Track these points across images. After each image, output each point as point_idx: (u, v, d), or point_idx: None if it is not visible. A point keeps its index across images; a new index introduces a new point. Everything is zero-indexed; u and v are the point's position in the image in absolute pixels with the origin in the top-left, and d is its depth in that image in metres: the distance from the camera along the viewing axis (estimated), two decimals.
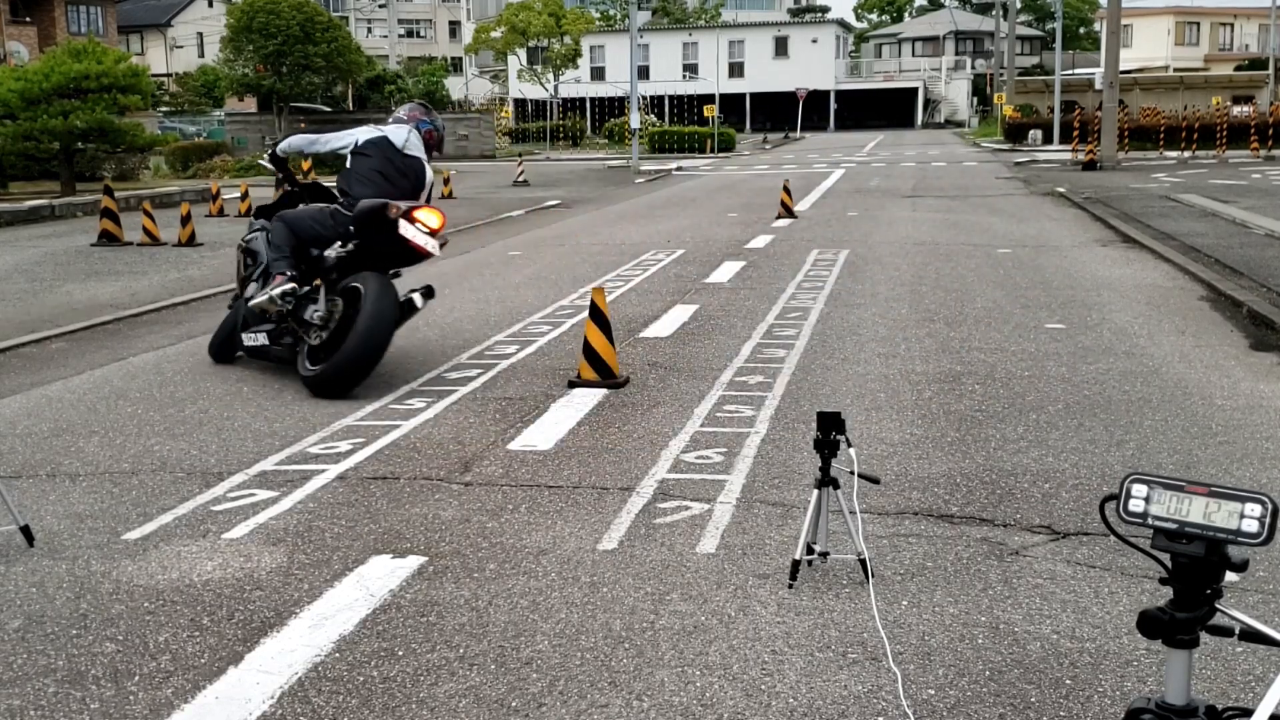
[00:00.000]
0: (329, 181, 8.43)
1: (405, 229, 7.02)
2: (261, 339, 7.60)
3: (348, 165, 7.45)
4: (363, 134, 7.52)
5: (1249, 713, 2.00)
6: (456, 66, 77.56)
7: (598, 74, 66.08)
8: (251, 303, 7.43)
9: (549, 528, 4.78)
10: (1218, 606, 2.04)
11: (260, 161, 8.17)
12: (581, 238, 16.21)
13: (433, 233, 7.17)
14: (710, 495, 5.14)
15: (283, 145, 7.88)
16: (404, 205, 7.07)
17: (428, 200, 7.55)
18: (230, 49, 36.18)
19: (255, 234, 7.91)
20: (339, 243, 7.22)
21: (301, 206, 7.80)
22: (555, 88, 54.80)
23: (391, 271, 7.37)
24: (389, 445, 6.03)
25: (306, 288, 7.32)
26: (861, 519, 4.29)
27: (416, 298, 7.24)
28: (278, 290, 7.18)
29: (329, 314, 7.11)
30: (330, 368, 6.93)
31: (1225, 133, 33.55)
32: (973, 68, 74.77)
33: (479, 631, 3.81)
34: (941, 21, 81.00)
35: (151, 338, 9.35)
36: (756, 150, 47.22)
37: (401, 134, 7.49)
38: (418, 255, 7.22)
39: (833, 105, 69.55)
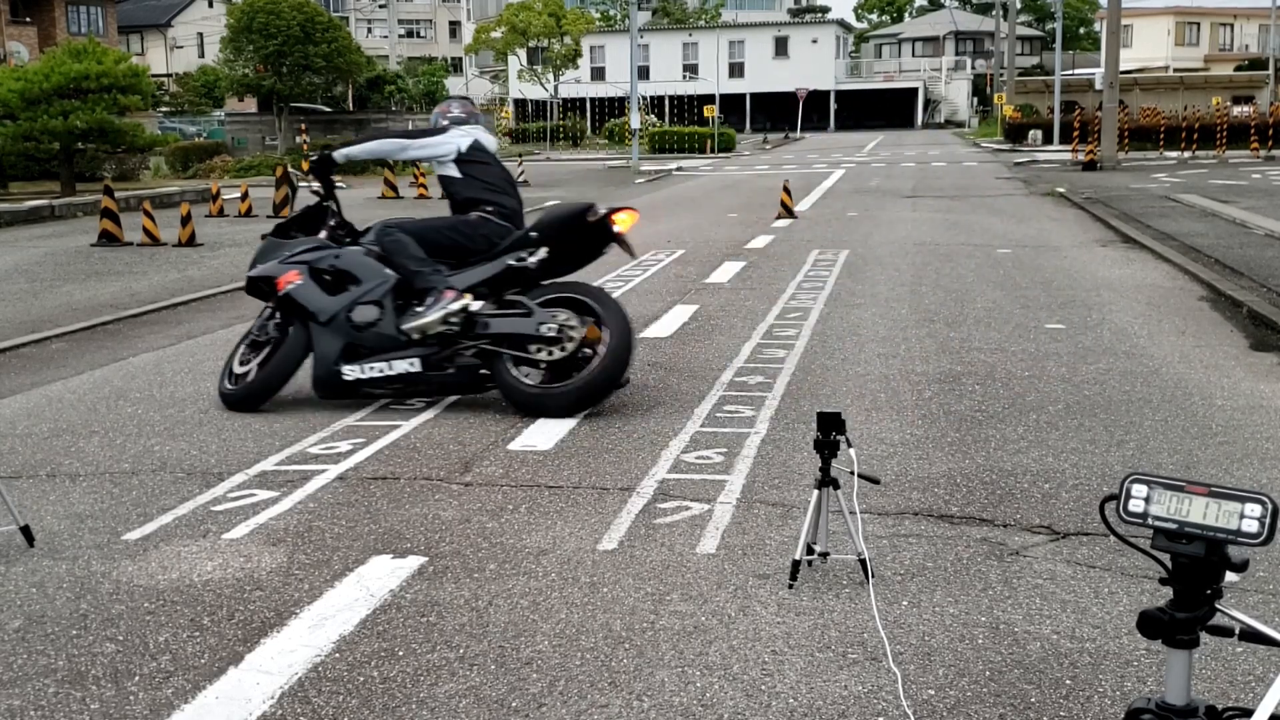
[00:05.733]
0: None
1: (619, 230, 6.62)
2: (404, 366, 6.63)
3: (458, 174, 6.97)
4: (461, 139, 7.01)
5: (1249, 713, 2.00)
6: (456, 66, 77.55)
7: (598, 74, 66.08)
8: (407, 326, 6.62)
9: (549, 528, 4.78)
10: (1218, 606, 2.04)
11: (294, 171, 7.38)
12: None
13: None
14: (710, 495, 5.14)
15: (351, 151, 7.25)
16: (602, 208, 6.64)
17: None
18: (230, 49, 36.16)
19: (320, 253, 6.96)
20: (545, 249, 6.61)
21: (413, 217, 7.24)
22: (555, 88, 54.78)
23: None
24: (389, 445, 6.03)
25: (481, 302, 6.63)
26: (861, 519, 4.28)
27: None
28: (455, 305, 6.52)
29: (562, 327, 6.47)
30: (595, 381, 6.43)
31: (1225, 133, 33.53)
32: (973, 68, 74.77)
33: (479, 631, 3.81)
34: (941, 22, 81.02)
35: (151, 338, 9.35)
36: (756, 150, 47.23)
37: (488, 139, 7.20)
38: (593, 258, 6.87)
39: (833, 105, 69.54)
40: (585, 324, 6.52)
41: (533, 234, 6.70)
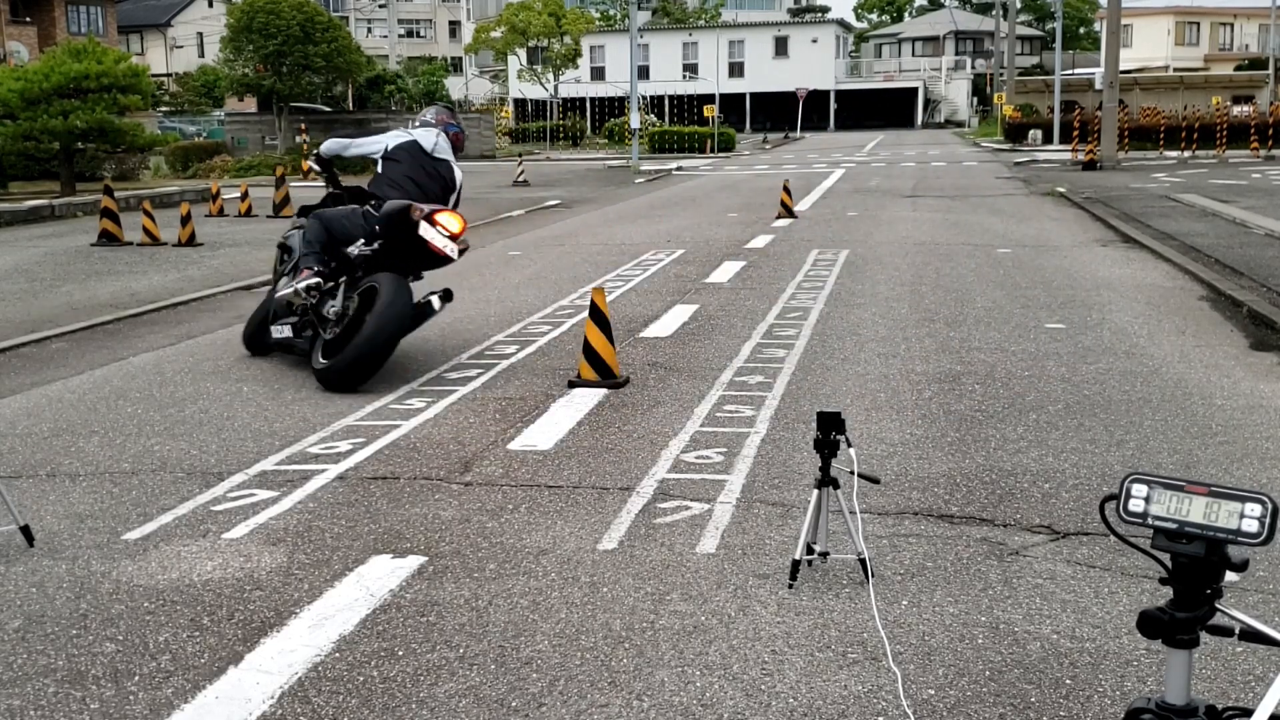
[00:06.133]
0: (348, 181, 8.70)
1: (425, 231, 7.15)
2: (287, 331, 7.75)
3: (379, 170, 7.65)
4: (393, 139, 7.75)
5: (1249, 713, 2.00)
6: (456, 66, 77.56)
7: (598, 74, 66.07)
8: (278, 295, 7.67)
9: (549, 528, 4.78)
10: (1218, 606, 2.04)
11: (309, 164, 8.60)
12: (581, 238, 16.20)
13: (453, 236, 7.26)
14: (710, 495, 5.14)
15: (323, 148, 8.13)
16: (427, 208, 7.21)
17: (457, 203, 7.78)
18: (230, 49, 36.18)
19: (294, 231, 8.13)
20: (362, 241, 7.38)
21: (339, 206, 7.97)
22: (555, 88, 54.77)
23: (413, 274, 7.53)
24: (389, 445, 6.03)
25: (332, 283, 7.44)
26: (861, 519, 4.29)
27: (434, 300, 7.37)
28: (302, 284, 7.33)
29: (344, 310, 7.26)
30: (338, 362, 7.08)
31: (1225, 133, 33.54)
32: (973, 68, 74.77)
33: (479, 631, 3.82)
34: (941, 21, 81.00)
35: (151, 338, 9.35)
36: (756, 150, 47.23)
37: (430, 137, 7.76)
38: (438, 259, 7.35)
39: (833, 105, 69.53)
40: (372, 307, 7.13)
41: (375, 228, 7.37)
